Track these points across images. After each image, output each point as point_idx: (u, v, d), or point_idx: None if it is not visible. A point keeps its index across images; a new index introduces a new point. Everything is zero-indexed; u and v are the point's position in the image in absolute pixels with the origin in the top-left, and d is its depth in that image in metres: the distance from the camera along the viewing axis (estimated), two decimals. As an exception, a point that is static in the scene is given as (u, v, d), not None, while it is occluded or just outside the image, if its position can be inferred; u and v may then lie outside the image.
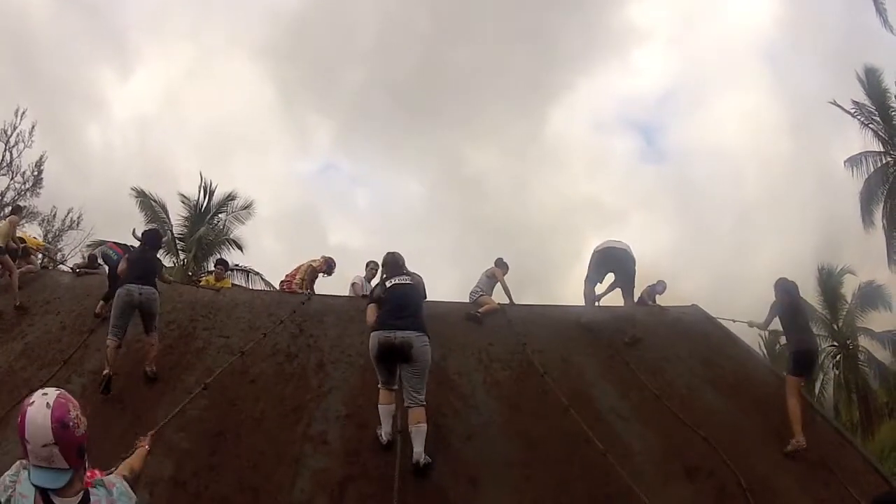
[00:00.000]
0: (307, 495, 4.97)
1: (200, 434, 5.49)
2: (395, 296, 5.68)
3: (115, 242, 8.60)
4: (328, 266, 9.84)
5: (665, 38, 56.53)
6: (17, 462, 2.29)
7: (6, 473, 2.26)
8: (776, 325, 7.21)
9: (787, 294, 6.84)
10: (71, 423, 2.21)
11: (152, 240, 7.37)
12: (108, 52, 45.85)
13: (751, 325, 7.96)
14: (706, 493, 5.46)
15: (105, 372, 6.02)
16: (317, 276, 9.62)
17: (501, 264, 9.16)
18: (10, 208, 10.42)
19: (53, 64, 36.17)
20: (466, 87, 53.18)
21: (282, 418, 5.79)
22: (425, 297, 6.04)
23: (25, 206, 11.06)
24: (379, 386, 5.54)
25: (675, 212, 49.07)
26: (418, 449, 5.14)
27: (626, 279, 8.01)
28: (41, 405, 2.21)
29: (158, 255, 7.51)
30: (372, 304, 5.81)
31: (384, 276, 6.12)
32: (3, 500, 2.19)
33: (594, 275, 8.09)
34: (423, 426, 5.19)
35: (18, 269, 8.32)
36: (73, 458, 2.20)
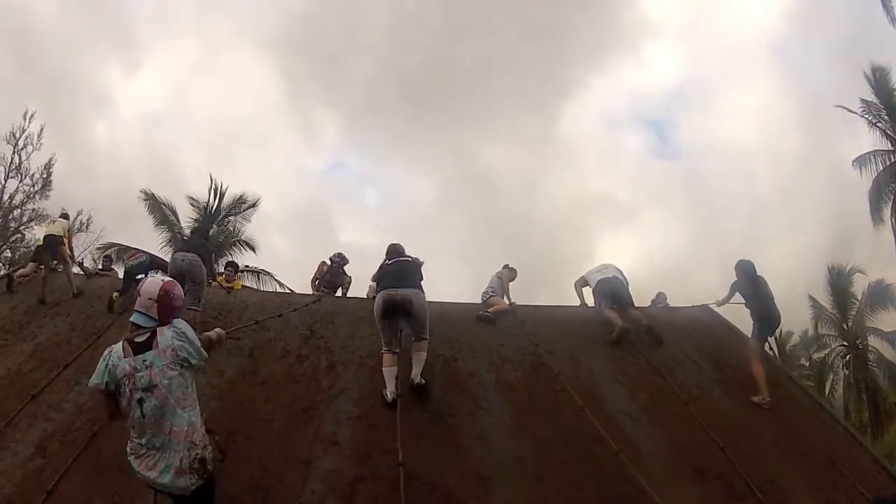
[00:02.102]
0: (318, 496, 4.95)
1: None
2: (394, 267, 6.60)
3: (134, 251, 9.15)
4: (330, 264, 9.93)
5: (676, 34, 56.59)
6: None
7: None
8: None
9: (744, 272, 7.76)
10: (171, 294, 3.60)
11: (201, 231, 9.14)
12: (114, 47, 46.31)
13: (718, 304, 8.50)
14: (715, 494, 5.45)
15: None
16: (327, 279, 9.66)
17: (509, 269, 9.32)
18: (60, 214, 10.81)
19: (59, 60, 36.55)
20: (478, 82, 53.27)
21: (292, 419, 5.78)
22: (421, 277, 6.71)
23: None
24: (382, 350, 6.29)
25: (687, 208, 49.15)
26: (416, 371, 6.08)
27: (626, 304, 8.24)
28: (158, 279, 3.71)
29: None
30: (373, 283, 6.94)
31: (386, 259, 6.86)
32: (106, 366, 3.46)
33: (602, 305, 8.32)
34: (423, 354, 6.19)
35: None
36: (165, 316, 3.54)
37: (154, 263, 8.66)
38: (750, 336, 7.61)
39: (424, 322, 6.32)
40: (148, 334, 3.48)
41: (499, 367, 6.91)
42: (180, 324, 3.58)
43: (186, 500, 3.51)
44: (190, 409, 3.47)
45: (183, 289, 6.44)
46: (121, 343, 3.52)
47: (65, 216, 10.42)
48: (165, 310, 3.53)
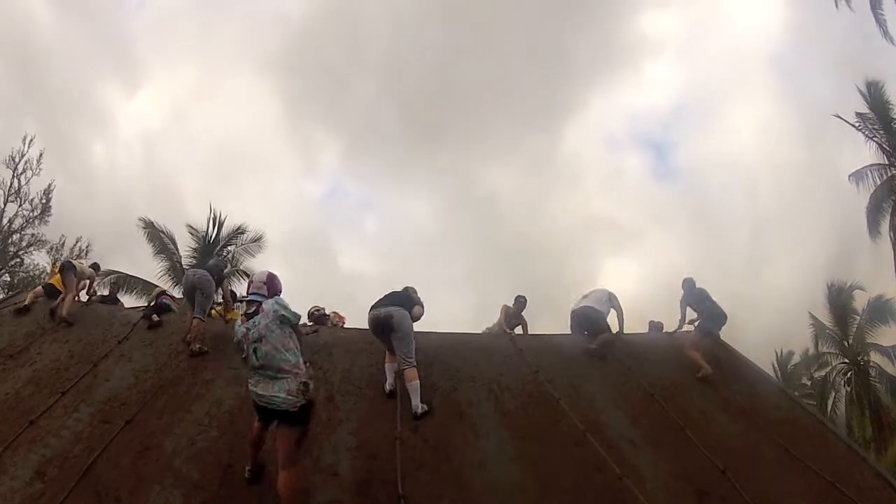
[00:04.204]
0: (318, 528, 4.93)
1: (209, 465, 5.47)
2: (385, 295, 7.16)
3: (171, 296, 9.84)
4: (312, 320, 10.07)
5: (676, 50, 56.71)
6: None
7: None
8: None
9: (688, 288, 8.77)
10: (275, 281, 5.16)
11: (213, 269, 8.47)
12: (113, 67, 46.39)
13: (681, 324, 9.03)
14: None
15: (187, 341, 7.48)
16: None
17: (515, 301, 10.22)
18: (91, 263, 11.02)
19: (57, 78, 36.65)
20: (478, 103, 53.22)
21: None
22: (412, 299, 7.25)
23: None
24: (386, 351, 6.99)
25: (689, 229, 49.03)
26: (415, 402, 6.41)
27: (596, 332, 8.50)
28: (265, 270, 5.31)
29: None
30: None
31: None
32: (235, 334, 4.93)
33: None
34: (416, 383, 6.48)
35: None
36: (272, 293, 5.02)
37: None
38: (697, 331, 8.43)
39: (407, 340, 6.68)
40: (255, 307, 4.89)
41: (498, 396, 6.89)
42: (280, 299, 4.97)
43: (290, 417, 4.66)
44: (292, 353, 4.76)
45: (193, 301, 7.72)
46: (240, 319, 5.00)
47: (95, 267, 10.53)
48: (272, 289, 5.07)
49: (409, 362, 6.56)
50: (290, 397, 4.61)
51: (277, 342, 4.72)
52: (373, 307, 6.99)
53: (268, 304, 4.85)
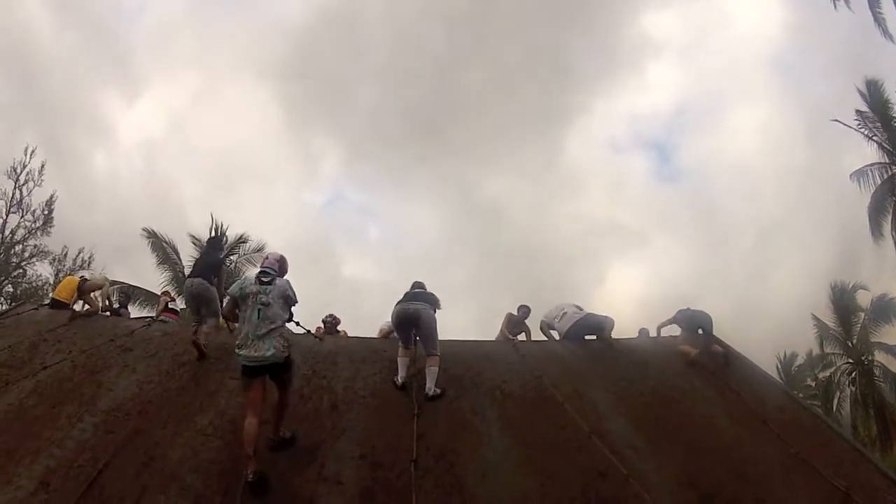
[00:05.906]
0: (322, 537, 4.93)
1: (214, 476, 5.48)
2: (411, 290, 7.67)
3: (171, 310, 10.18)
4: (324, 326, 10.26)
5: (676, 53, 56.55)
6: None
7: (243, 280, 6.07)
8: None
9: (683, 316, 8.93)
10: (285, 263, 6.19)
11: (213, 243, 9.78)
12: (113, 76, 46.36)
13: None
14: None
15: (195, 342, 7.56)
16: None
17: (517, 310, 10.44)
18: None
19: (57, 87, 36.65)
20: (480, 109, 53.06)
21: (295, 459, 5.75)
22: (436, 301, 7.57)
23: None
24: (399, 345, 7.32)
25: (694, 232, 48.81)
26: (430, 384, 6.89)
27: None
28: (277, 252, 6.54)
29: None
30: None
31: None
32: (240, 285, 5.89)
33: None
34: (435, 368, 6.97)
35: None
36: (282, 270, 6.09)
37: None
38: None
39: (432, 336, 7.15)
40: (271, 278, 5.84)
41: (502, 404, 6.90)
42: (289, 282, 6.01)
43: (277, 368, 5.65)
44: (282, 319, 5.78)
45: (199, 312, 7.98)
46: (255, 276, 5.94)
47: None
48: (283, 266, 6.13)
49: (433, 351, 7.04)
50: (278, 352, 5.59)
51: (277, 310, 5.74)
52: (400, 302, 7.43)
53: (282, 282, 5.91)
